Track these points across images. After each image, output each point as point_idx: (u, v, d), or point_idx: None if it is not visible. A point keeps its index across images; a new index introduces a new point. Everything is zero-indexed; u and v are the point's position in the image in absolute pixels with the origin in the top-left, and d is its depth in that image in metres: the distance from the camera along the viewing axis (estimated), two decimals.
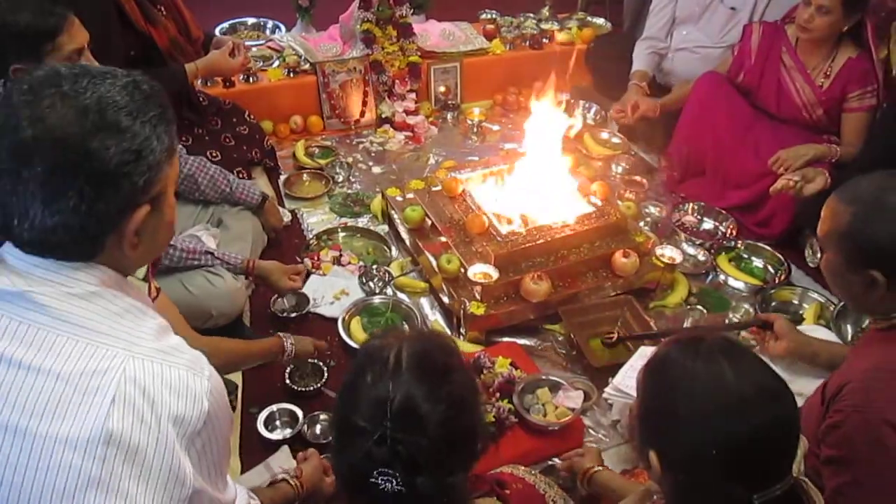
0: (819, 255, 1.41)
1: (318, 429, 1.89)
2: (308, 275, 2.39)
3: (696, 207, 2.77)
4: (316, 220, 2.75)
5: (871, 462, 1.23)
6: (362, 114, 3.36)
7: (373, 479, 0.96)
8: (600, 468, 1.59)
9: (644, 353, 1.89)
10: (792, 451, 1.06)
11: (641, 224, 2.64)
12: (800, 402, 1.17)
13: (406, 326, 2.23)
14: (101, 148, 0.92)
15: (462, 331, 2.18)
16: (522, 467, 1.26)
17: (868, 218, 1.29)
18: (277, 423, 1.89)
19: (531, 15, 3.88)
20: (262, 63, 3.31)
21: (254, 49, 3.40)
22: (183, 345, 1.01)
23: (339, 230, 2.66)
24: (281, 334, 1.87)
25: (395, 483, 0.96)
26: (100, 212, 0.94)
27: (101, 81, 0.95)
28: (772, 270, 2.51)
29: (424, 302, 2.35)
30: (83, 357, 0.93)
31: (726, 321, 2.28)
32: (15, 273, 0.95)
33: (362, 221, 2.74)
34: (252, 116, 2.96)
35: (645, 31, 3.18)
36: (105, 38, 2.13)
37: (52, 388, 0.92)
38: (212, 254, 2.05)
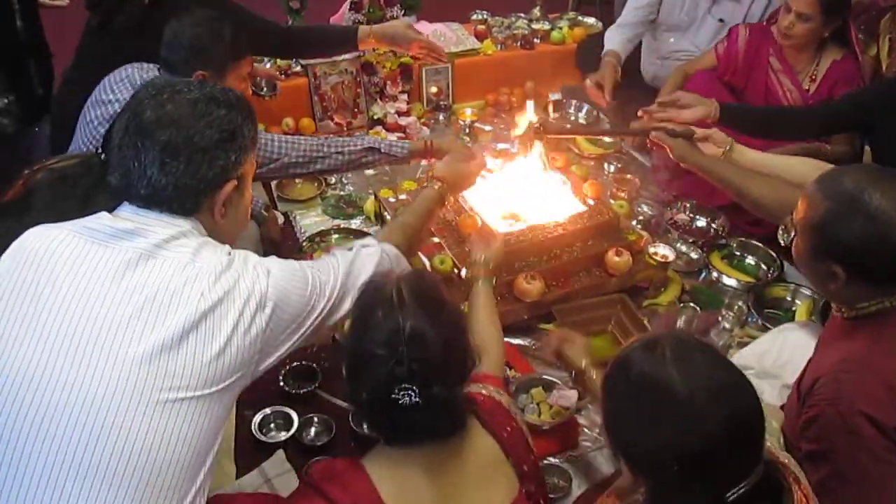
0: (791, 236, 1.43)
1: (312, 431, 1.89)
2: None
3: (688, 205, 2.79)
4: (309, 222, 2.75)
5: (849, 453, 1.25)
6: (354, 115, 3.36)
7: (394, 395, 1.16)
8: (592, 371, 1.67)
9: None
10: (757, 442, 1.06)
11: (634, 223, 2.66)
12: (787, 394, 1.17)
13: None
14: (206, 127, 1.25)
15: None
16: (491, 387, 1.43)
17: (841, 216, 1.30)
18: (272, 426, 1.89)
19: (522, 15, 3.89)
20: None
21: None
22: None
23: (333, 232, 2.67)
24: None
25: (413, 396, 1.16)
26: (201, 175, 1.25)
27: (205, 87, 1.30)
28: (764, 267, 2.52)
29: None
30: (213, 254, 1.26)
31: (719, 318, 2.29)
32: (129, 220, 1.24)
33: (355, 223, 2.75)
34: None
35: (619, 19, 3.18)
36: None
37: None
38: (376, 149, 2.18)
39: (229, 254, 1.28)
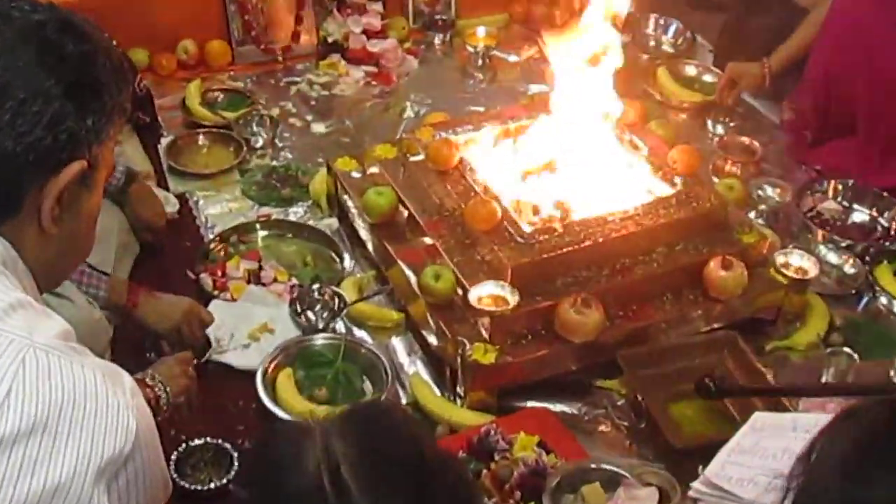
0: None
1: None
2: (208, 300, 2.41)
3: (839, 188, 2.80)
4: (220, 210, 2.77)
5: None
6: (296, 37, 3.38)
7: None
8: None
9: (758, 424, 1.90)
10: None
11: (752, 215, 2.67)
12: None
13: (366, 386, 2.25)
14: (45, 71, 1.20)
15: (459, 391, 2.19)
16: None
17: None
18: None
19: None
20: None
21: None
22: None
23: (258, 227, 2.68)
24: (141, 375, 1.83)
25: None
26: (32, 140, 1.18)
27: (53, 10, 1.26)
28: None
29: (398, 344, 2.38)
30: None
31: (891, 372, 2.30)
32: None
33: (296, 212, 2.76)
34: (115, 41, 2.97)
35: None
36: None
37: None
38: None
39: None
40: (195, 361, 2.11)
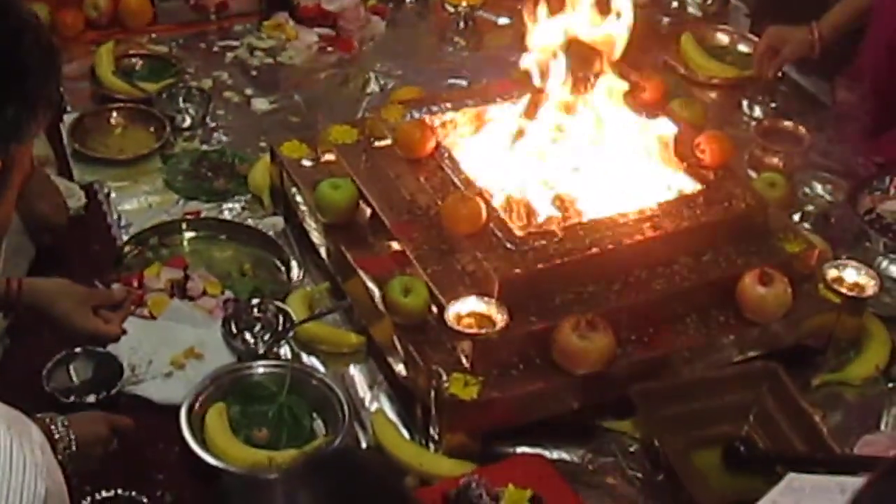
0: None
1: None
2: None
3: None
4: (136, 205, 2.77)
5: None
6: None
7: None
8: None
9: (795, 484, 1.91)
10: None
11: (797, 217, 2.69)
12: None
13: (317, 426, 2.25)
14: None
15: (433, 433, 2.20)
16: None
17: None
18: None
19: None
20: None
21: None
22: None
23: (184, 227, 2.68)
24: (47, 416, 1.88)
25: None
26: None
27: None
28: None
29: (357, 374, 2.38)
30: None
31: None
32: None
33: (231, 209, 2.77)
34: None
35: None
36: None
37: None
38: None
39: None
40: (105, 394, 2.12)
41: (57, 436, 1.88)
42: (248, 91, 3.19)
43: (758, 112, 3.16)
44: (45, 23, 1.39)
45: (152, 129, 2.96)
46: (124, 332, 2.34)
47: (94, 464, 1.99)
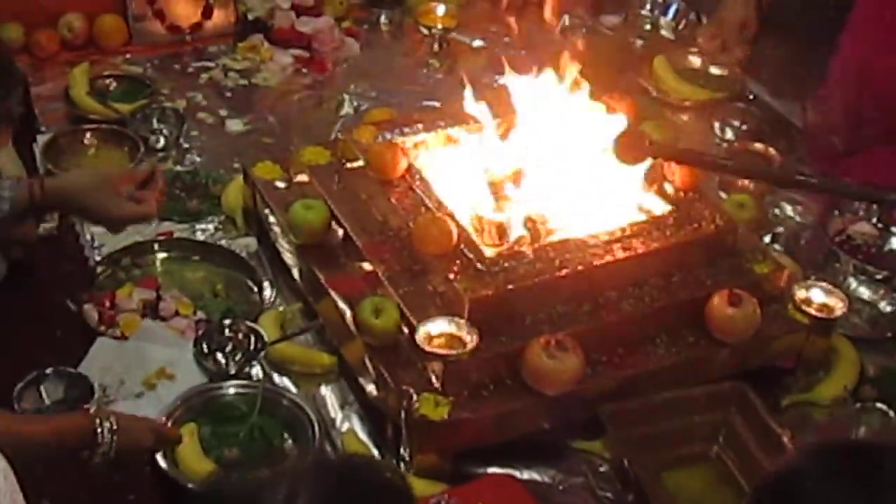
0: None
1: None
2: (92, 338, 2.40)
3: (875, 207, 2.81)
4: None
5: None
6: (208, 12, 3.38)
7: None
8: None
9: None
10: None
11: (768, 239, 2.70)
12: None
13: (288, 445, 2.25)
14: None
15: (404, 453, 2.20)
16: None
17: None
18: None
19: None
20: None
21: None
22: None
23: (157, 248, 2.69)
24: (97, 416, 1.91)
25: None
26: None
27: None
28: None
29: (329, 394, 2.39)
30: None
31: None
32: None
33: (204, 230, 2.78)
34: None
35: None
36: None
37: None
38: None
39: None
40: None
41: (99, 440, 1.90)
42: (223, 112, 3.20)
43: (729, 134, 3.17)
44: (6, 43, 1.37)
45: (126, 149, 2.95)
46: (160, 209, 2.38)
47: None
